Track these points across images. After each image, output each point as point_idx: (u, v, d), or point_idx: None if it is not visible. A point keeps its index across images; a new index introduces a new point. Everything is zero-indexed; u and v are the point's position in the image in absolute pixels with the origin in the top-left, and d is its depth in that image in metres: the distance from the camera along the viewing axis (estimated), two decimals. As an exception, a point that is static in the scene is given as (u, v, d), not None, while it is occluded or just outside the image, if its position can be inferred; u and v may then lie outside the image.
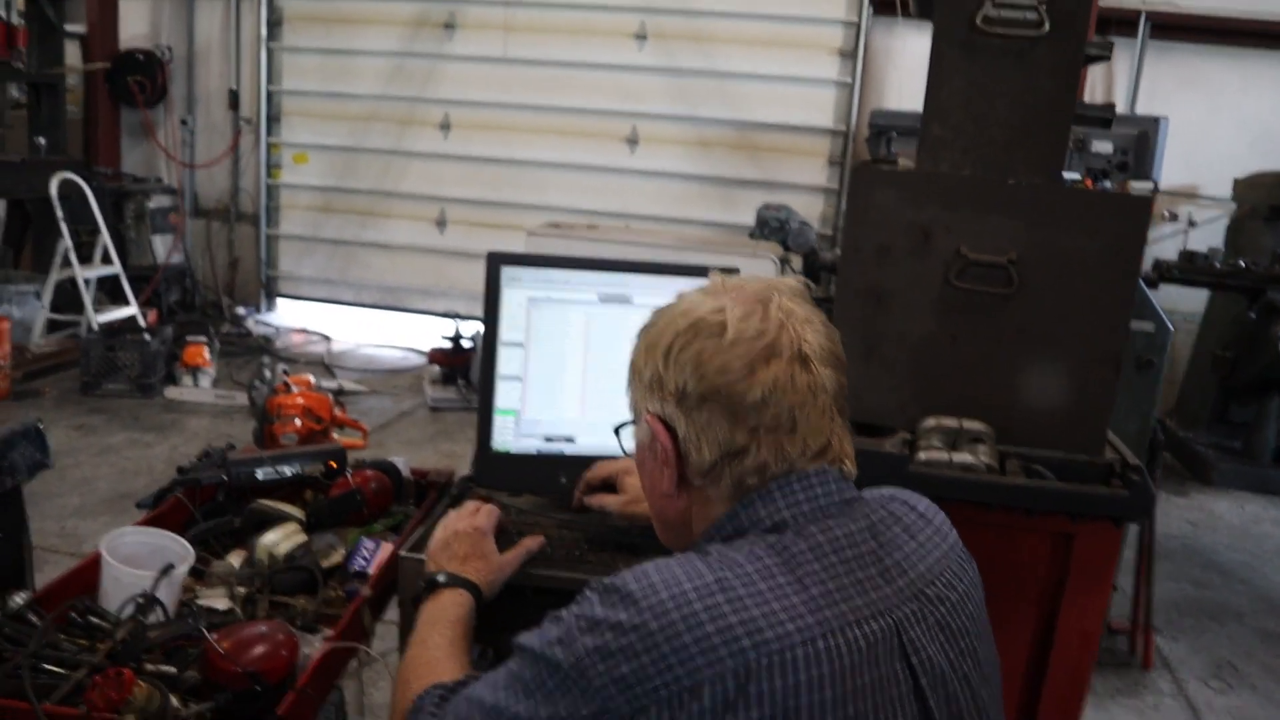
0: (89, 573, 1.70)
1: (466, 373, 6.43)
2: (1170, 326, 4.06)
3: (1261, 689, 3.61)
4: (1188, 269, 5.27)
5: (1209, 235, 6.36)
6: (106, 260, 6.78)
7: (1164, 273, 5.18)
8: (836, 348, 1.20)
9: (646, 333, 1.25)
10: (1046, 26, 2.05)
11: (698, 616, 1.03)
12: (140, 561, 1.68)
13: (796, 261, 5.35)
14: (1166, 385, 4.42)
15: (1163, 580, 3.96)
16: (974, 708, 1.15)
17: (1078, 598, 1.99)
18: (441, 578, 1.56)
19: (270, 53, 8.17)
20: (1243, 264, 5.36)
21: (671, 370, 1.18)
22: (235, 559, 1.92)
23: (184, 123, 8.41)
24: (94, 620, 1.61)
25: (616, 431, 1.36)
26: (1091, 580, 1.98)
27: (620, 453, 1.40)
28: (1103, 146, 4.27)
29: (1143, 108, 6.52)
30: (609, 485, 1.82)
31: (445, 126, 7.90)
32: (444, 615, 1.49)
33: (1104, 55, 2.40)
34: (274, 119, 8.33)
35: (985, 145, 2.14)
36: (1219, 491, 5.71)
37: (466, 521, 1.69)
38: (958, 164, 2.17)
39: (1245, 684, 3.64)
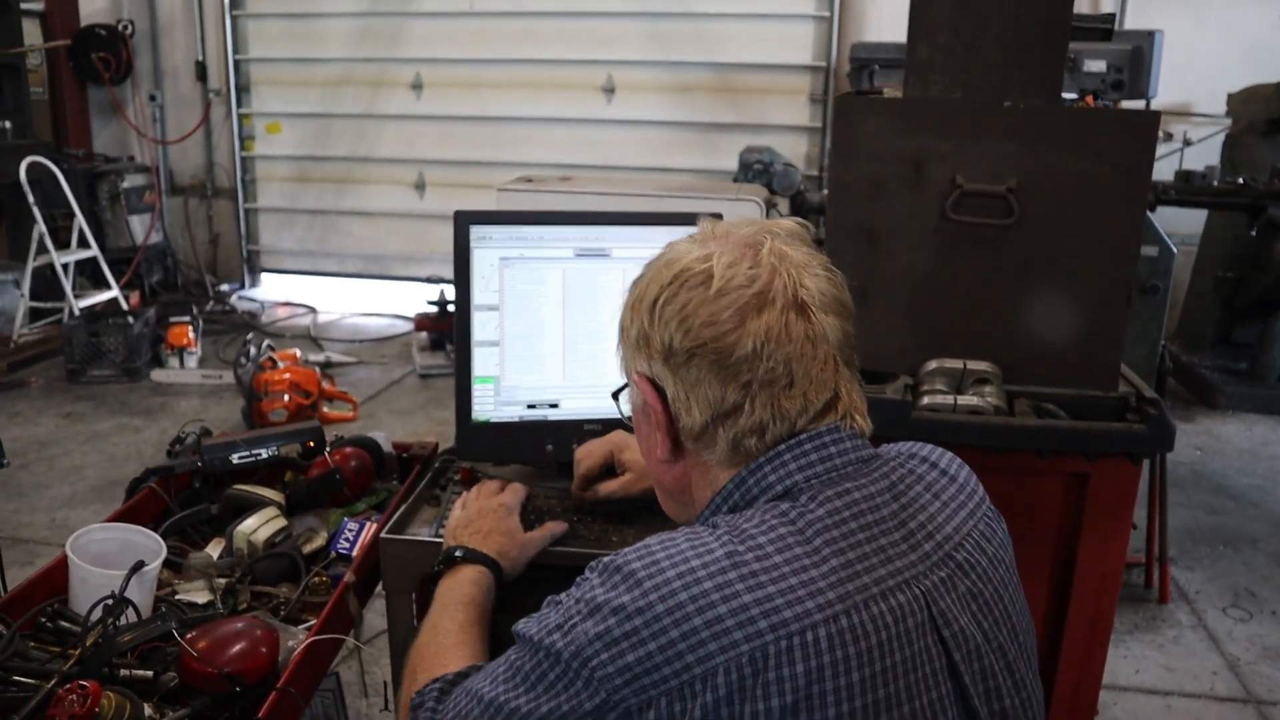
0: (59, 573, 1.62)
1: (454, 337, 6.33)
2: (1174, 249, 3.96)
3: (1281, 614, 3.56)
4: (1185, 189, 5.14)
5: (1204, 153, 6.23)
6: (83, 244, 6.66)
7: (1161, 194, 5.06)
8: (841, 293, 1.11)
9: (633, 288, 1.15)
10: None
11: (708, 597, 0.94)
12: (110, 560, 1.60)
13: (784, 205, 5.25)
14: (1168, 309, 4.32)
15: (1174, 509, 3.88)
16: (1011, 682, 1.07)
17: (1096, 539, 1.92)
18: (459, 552, 1.49)
19: (234, 21, 7.97)
20: (1241, 181, 5.24)
21: (657, 326, 1.08)
22: (214, 549, 1.84)
23: (152, 98, 8.24)
24: (64, 625, 1.54)
25: (615, 396, 1.27)
26: (1109, 520, 1.91)
27: (612, 419, 1.31)
28: (1095, 65, 4.12)
29: (1131, 23, 6.37)
30: (608, 468, 1.72)
31: (418, 86, 7.74)
32: (457, 595, 1.41)
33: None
34: (243, 89, 8.15)
35: (977, 66, 2.03)
36: (1226, 415, 5.63)
37: (490, 500, 1.62)
38: (948, 88, 2.06)
39: (1265, 611, 3.57)
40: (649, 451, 1.18)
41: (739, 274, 1.05)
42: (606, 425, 1.75)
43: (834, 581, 0.97)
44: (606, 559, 1.03)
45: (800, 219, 1.20)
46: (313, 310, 7.77)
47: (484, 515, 1.58)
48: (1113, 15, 4.66)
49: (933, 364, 2.01)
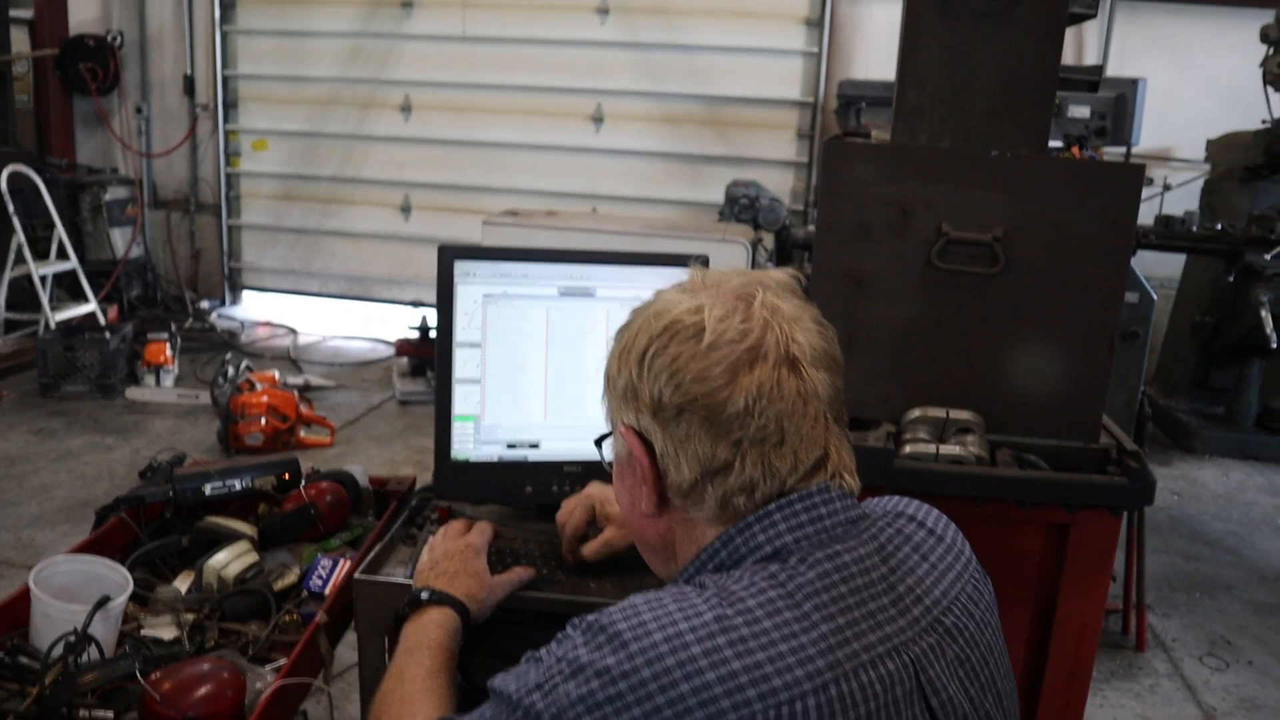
0: (21, 605, 1.58)
1: (435, 373, 6.28)
2: (1153, 296, 3.98)
3: (1258, 664, 3.54)
4: (1165, 234, 5.19)
5: (1183, 198, 6.30)
6: (63, 255, 6.60)
7: (1141, 239, 5.09)
8: (831, 347, 1.09)
9: (620, 336, 1.13)
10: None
11: (696, 662, 0.92)
12: (74, 593, 1.56)
13: (768, 239, 5.26)
14: (1147, 354, 4.35)
15: (1151, 554, 3.88)
16: None
17: (1076, 590, 1.91)
18: (425, 594, 1.45)
19: (224, 36, 7.97)
20: (1219, 227, 5.29)
21: (646, 379, 1.06)
22: (183, 583, 1.80)
23: (139, 110, 8.20)
24: (24, 661, 1.50)
25: (598, 444, 1.24)
26: (1089, 572, 1.90)
27: (592, 462, 1.28)
28: (1080, 111, 4.17)
29: (1112, 70, 6.44)
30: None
31: (406, 109, 7.74)
32: (424, 640, 1.38)
33: (1089, 13, 2.30)
34: (231, 105, 8.14)
35: (965, 114, 2.03)
36: (1202, 459, 5.66)
37: (456, 540, 1.58)
38: (936, 135, 2.06)
39: (1241, 660, 3.57)
40: (631, 504, 1.16)
41: (731, 328, 1.03)
42: (587, 467, 1.72)
43: (824, 649, 0.95)
44: (591, 617, 1.00)
45: (792, 269, 1.18)
46: (293, 331, 7.71)
47: (450, 557, 1.54)
48: (1100, 67, 4.71)
49: (915, 412, 2.00)
